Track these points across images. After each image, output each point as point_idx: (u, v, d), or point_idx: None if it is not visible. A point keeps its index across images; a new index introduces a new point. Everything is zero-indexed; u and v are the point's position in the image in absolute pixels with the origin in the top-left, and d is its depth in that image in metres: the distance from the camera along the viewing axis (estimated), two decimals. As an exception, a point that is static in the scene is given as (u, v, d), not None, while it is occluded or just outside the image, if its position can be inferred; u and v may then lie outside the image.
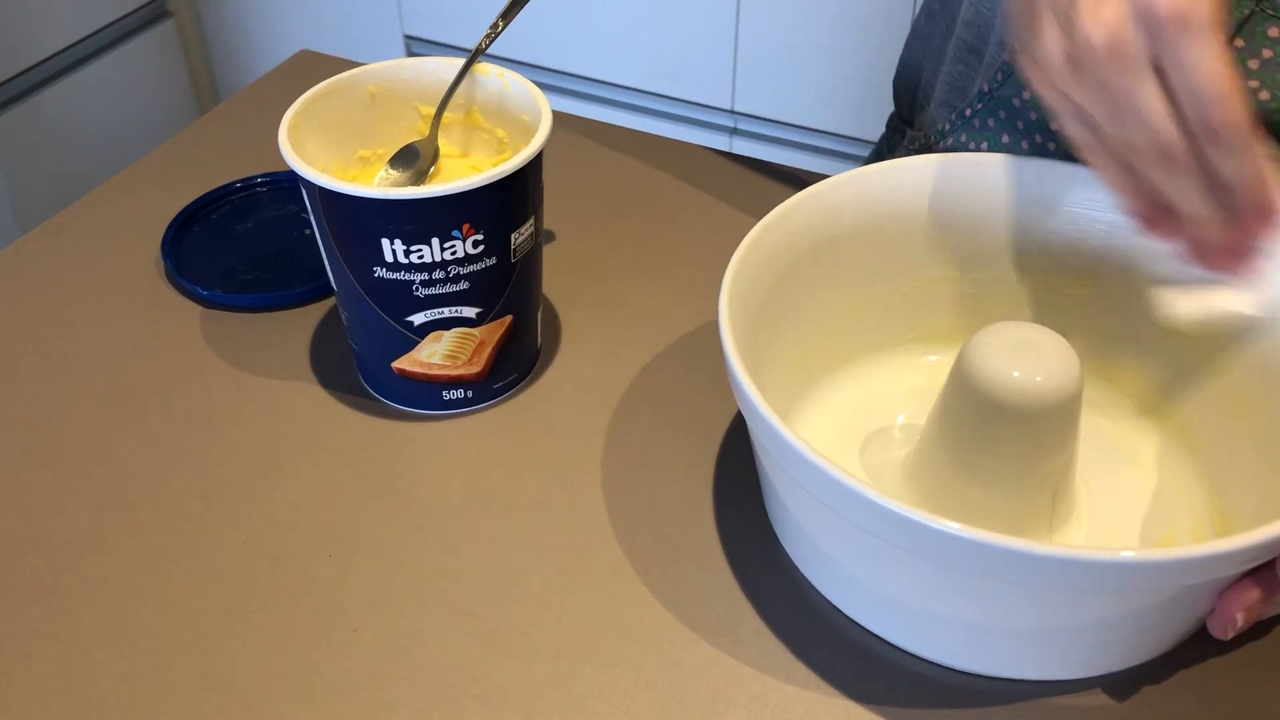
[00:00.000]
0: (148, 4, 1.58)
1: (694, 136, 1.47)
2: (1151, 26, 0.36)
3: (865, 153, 1.42)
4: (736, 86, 1.42)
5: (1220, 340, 0.45)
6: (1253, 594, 0.38)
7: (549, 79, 1.51)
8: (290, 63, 0.74)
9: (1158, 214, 0.41)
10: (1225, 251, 0.41)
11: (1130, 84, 0.37)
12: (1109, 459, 0.48)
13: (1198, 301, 0.42)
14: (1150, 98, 0.37)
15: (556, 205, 0.62)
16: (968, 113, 0.63)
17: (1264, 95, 0.54)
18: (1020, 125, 0.57)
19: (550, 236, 0.60)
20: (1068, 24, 0.38)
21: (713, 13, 1.36)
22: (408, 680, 0.41)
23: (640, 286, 0.57)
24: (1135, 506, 0.46)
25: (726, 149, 1.49)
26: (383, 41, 1.58)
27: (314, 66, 0.73)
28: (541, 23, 1.46)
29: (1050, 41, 0.39)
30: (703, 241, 0.60)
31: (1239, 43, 0.54)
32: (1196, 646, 0.42)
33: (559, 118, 0.68)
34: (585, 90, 1.51)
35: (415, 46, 1.59)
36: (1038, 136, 0.56)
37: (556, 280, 0.58)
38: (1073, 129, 0.41)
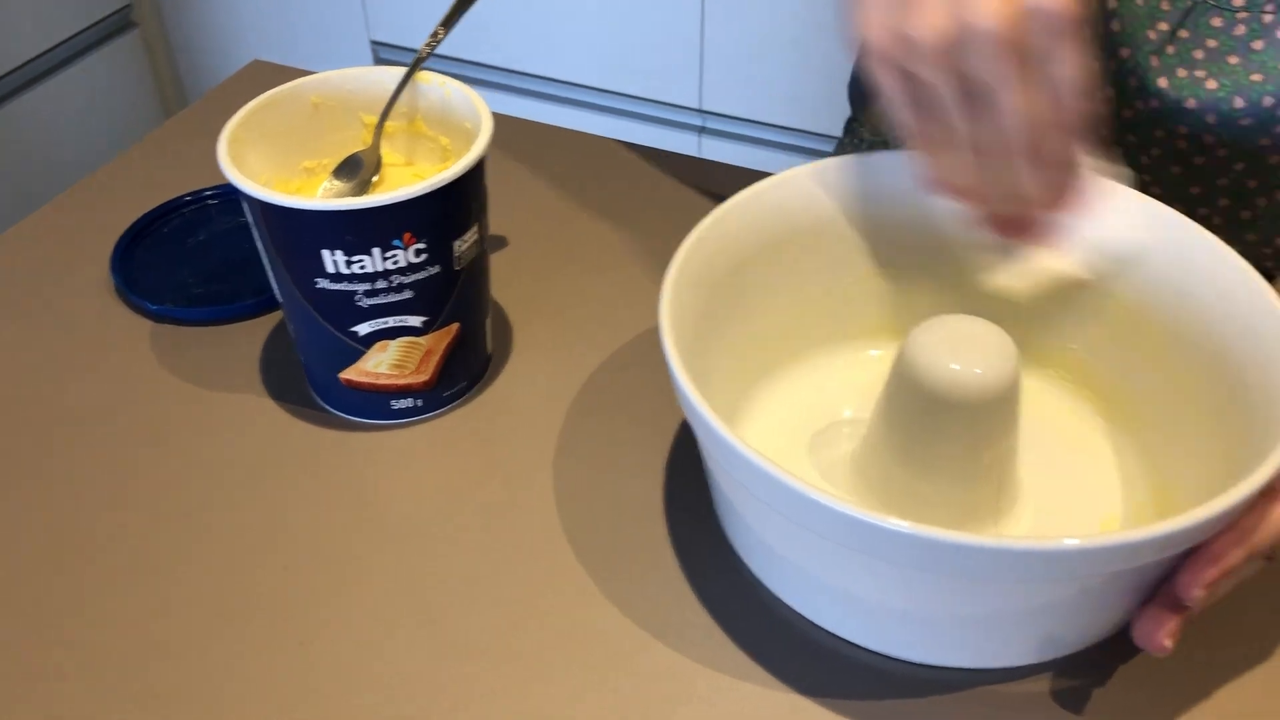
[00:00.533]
0: (112, 14, 1.57)
1: (662, 136, 1.47)
2: (1046, 23, 0.38)
3: (835, 147, 1.42)
4: (704, 85, 1.42)
5: (1153, 323, 0.46)
6: (1170, 622, 0.38)
7: (515, 81, 1.51)
8: (242, 74, 0.73)
9: (970, 190, 0.43)
10: (1031, 224, 0.44)
11: (1010, 73, 0.38)
12: (1051, 445, 0.48)
13: (1023, 269, 0.45)
14: (1020, 90, 0.38)
15: (509, 210, 0.62)
16: None
17: (1211, 84, 0.54)
18: None
19: (503, 242, 0.60)
20: (957, 5, 0.38)
21: (678, 10, 1.36)
22: (361, 691, 0.41)
23: (593, 290, 0.57)
24: (1078, 491, 0.46)
25: (695, 148, 1.49)
26: (349, 48, 1.58)
27: (267, 77, 0.72)
28: (507, 25, 1.46)
29: (933, 19, 0.39)
30: (655, 243, 0.60)
31: (1183, 34, 0.54)
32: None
33: (513, 122, 0.68)
34: (552, 92, 1.51)
35: (382, 52, 1.58)
36: None
37: (509, 286, 0.58)
38: (905, 113, 0.41)
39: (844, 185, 0.47)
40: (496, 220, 0.61)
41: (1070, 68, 0.38)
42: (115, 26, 1.59)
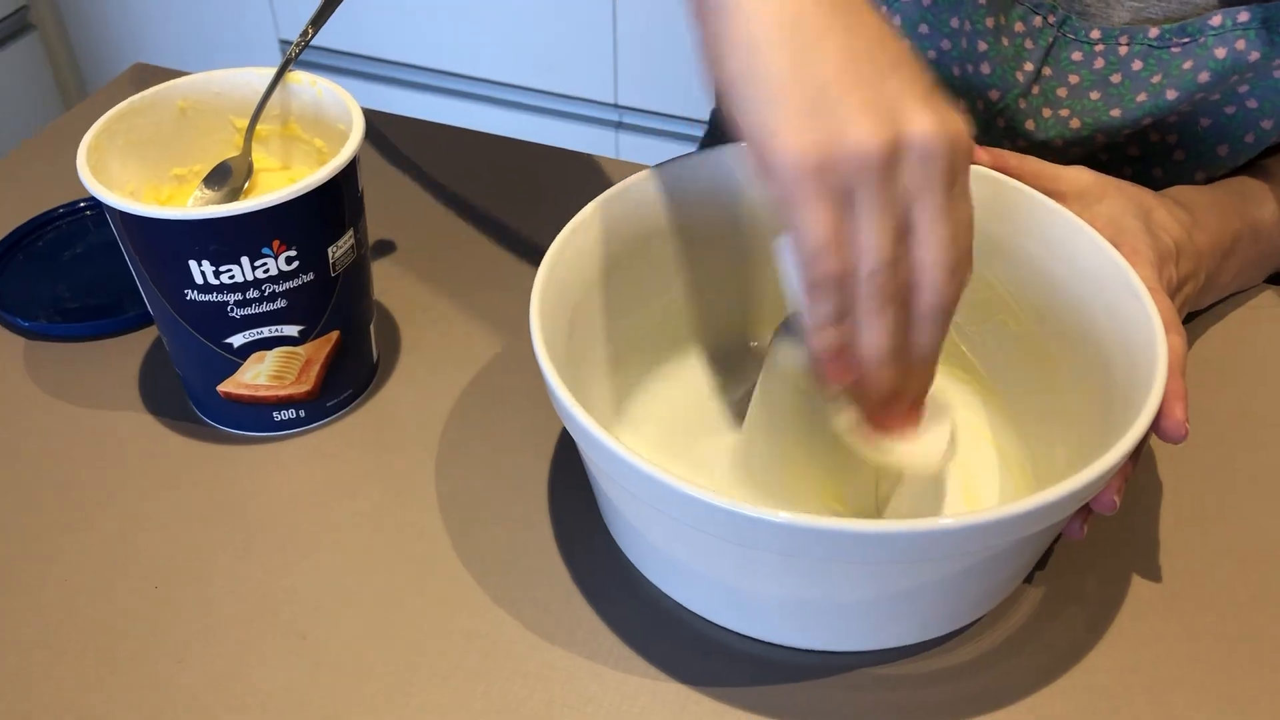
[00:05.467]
0: (9, 16, 1.51)
1: (579, 132, 1.47)
2: (925, 157, 0.33)
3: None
4: (619, 79, 1.41)
5: (1022, 306, 0.46)
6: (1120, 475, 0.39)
7: (428, 79, 1.49)
8: (123, 78, 0.71)
9: (837, 355, 0.38)
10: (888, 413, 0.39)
11: (943, 193, 0.34)
12: (930, 428, 0.49)
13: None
14: (891, 229, 0.34)
15: (397, 213, 0.61)
16: None
17: (1075, 124, 0.55)
18: None
19: (391, 246, 0.59)
20: (890, 113, 0.33)
21: (589, 3, 1.35)
22: (234, 711, 0.40)
23: (481, 292, 0.57)
24: (957, 471, 0.47)
25: (613, 144, 1.49)
26: (257, 47, 1.54)
27: (148, 81, 0.70)
28: (419, 22, 1.44)
29: (871, 128, 0.33)
30: (545, 244, 0.60)
31: (1046, 71, 0.55)
32: (1012, 608, 0.43)
33: (402, 121, 0.67)
34: (467, 89, 1.49)
35: (292, 51, 1.55)
36: None
37: (396, 290, 0.57)
38: (827, 262, 0.35)
39: (712, 176, 0.47)
40: (384, 222, 0.60)
41: (941, 238, 0.34)
42: (12, 29, 1.53)
